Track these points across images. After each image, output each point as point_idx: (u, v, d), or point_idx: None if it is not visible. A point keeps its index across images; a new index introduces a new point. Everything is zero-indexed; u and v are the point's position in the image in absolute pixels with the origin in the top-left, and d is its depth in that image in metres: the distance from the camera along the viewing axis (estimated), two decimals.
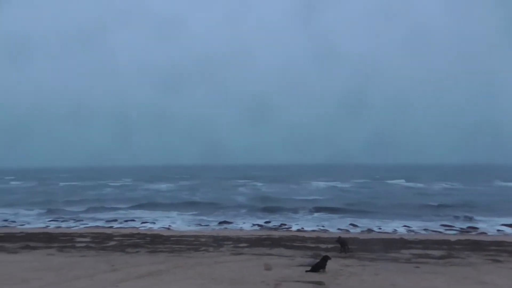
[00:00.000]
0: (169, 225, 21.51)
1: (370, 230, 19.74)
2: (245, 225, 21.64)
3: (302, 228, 20.40)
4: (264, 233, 18.06)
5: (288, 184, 50.18)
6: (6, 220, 23.08)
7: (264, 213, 25.69)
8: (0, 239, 15.01)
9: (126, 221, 23.11)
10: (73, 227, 21.09)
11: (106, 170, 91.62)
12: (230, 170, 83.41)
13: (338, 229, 20.18)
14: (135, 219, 23.61)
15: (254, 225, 21.62)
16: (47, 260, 11.11)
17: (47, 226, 21.29)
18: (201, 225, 21.61)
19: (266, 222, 22.28)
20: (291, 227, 20.69)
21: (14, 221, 22.84)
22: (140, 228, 20.35)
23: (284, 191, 41.47)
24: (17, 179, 64.97)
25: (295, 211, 26.29)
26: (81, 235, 16.31)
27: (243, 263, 10.57)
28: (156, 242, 14.42)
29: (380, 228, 20.21)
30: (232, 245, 13.69)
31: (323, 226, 20.93)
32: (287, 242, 14.52)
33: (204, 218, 24.09)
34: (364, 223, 21.76)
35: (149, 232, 17.93)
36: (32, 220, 23.51)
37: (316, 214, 25.18)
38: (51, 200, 33.05)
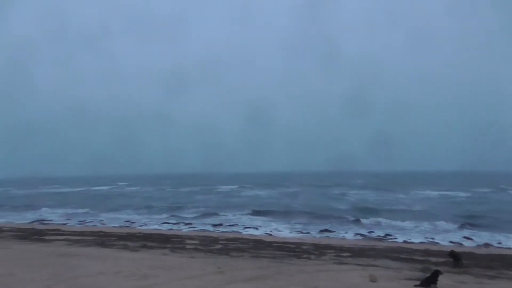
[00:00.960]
0: (271, 231, 21.92)
1: (487, 245, 17.86)
2: (347, 234, 21.10)
3: (409, 239, 19.24)
4: (367, 243, 17.43)
5: (391, 193, 47.73)
6: (128, 221, 25.68)
7: (366, 223, 24.78)
8: (123, 238, 16.76)
9: (230, 225, 24.11)
10: (183, 229, 22.62)
11: (215, 176, 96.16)
12: (327, 178, 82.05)
13: (450, 242, 18.62)
14: (238, 224, 24.51)
15: (356, 234, 20.98)
16: (161, 259, 12.09)
17: (161, 228, 23.18)
18: (302, 233, 21.61)
19: (369, 232, 21.47)
20: (396, 238, 19.64)
21: (133, 222, 25.28)
22: (243, 233, 21.04)
23: (387, 199, 39.56)
24: (131, 185, 71.67)
25: (400, 221, 24.88)
26: (190, 238, 17.45)
27: (347, 273, 10.33)
28: (258, 248, 14.80)
29: (500, 243, 18.17)
30: (334, 254, 13.47)
31: (432, 238, 19.50)
32: (393, 253, 13.82)
33: (305, 225, 24.05)
34: (481, 236, 19.76)
35: (251, 238, 18.46)
36: (149, 222, 25.77)
37: (424, 225, 23.51)
38: (163, 204, 36.01)
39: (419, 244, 17.91)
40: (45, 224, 25.00)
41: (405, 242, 18.55)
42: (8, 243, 15.44)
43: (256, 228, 22.99)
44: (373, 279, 9.48)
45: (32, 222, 26.07)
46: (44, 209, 34.84)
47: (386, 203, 35.65)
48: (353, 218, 26.28)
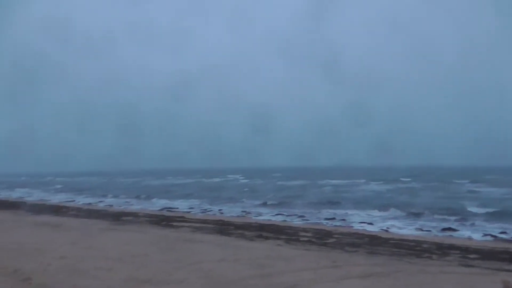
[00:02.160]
0: (387, 227, 20.99)
1: None
2: (475, 234, 19.17)
3: None
4: (499, 245, 15.61)
5: None
6: (244, 211, 26.97)
7: (497, 223, 22.20)
8: (240, 227, 17.65)
9: (342, 219, 23.72)
10: (296, 221, 22.93)
11: (315, 170, 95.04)
12: (456, 172, 75.27)
13: None
14: (352, 218, 23.99)
15: (486, 235, 18.94)
16: (277, 250, 12.44)
17: (275, 219, 23.82)
18: (422, 230, 20.25)
19: (501, 233, 19.22)
20: None
21: (249, 212, 26.44)
22: (358, 228, 20.53)
23: None
24: (245, 178, 74.58)
25: None
26: (304, 230, 17.60)
27: (474, 277, 9.42)
28: (374, 244, 14.30)
29: None
30: (459, 255, 12.37)
31: None
32: None
33: (425, 222, 22.48)
34: None
35: (366, 233, 17.93)
36: (263, 212, 26.70)
37: None
38: (276, 196, 36.98)
39: None
40: (172, 211, 27.52)
41: None
42: (144, 227, 17.38)
43: (371, 224, 22.23)
44: (507, 285, 8.48)
45: (162, 209, 28.91)
46: (162, 199, 38.42)
47: None
48: (482, 217, 23.80)
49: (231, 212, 27.19)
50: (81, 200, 37.19)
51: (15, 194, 46.36)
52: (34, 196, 43.51)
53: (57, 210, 25.69)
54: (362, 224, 21.91)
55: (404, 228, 20.83)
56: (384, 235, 17.27)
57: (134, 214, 23.02)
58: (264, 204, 31.53)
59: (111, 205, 32.16)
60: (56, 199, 39.43)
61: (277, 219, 23.69)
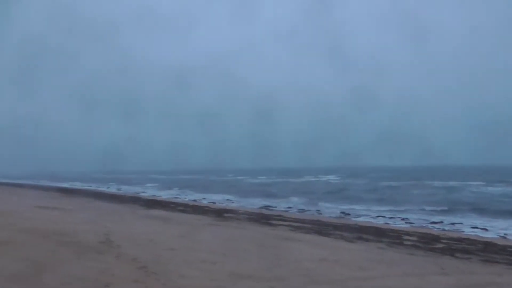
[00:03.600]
0: (505, 234, 18.90)
1: None
2: None
3: None
4: None
5: None
6: (342, 213, 26.43)
7: None
8: (339, 228, 17.35)
9: (452, 223, 21.95)
10: (399, 224, 21.80)
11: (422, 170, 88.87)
12: None
13: None
14: (462, 223, 22.07)
15: None
16: (378, 253, 11.97)
17: (375, 221, 22.93)
18: None
19: None
20: None
21: (348, 214, 25.83)
22: (469, 234, 18.83)
23: None
24: (341, 178, 72.57)
25: None
26: (408, 233, 16.68)
27: None
28: (489, 251, 13.02)
29: None
30: None
31: None
32: None
33: None
34: None
35: (479, 239, 16.36)
36: (364, 214, 25.88)
37: None
38: (376, 197, 35.54)
39: None
40: (270, 210, 28.05)
41: None
42: (244, 224, 18.01)
43: (486, 229, 20.22)
44: None
45: (261, 207, 29.64)
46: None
47: None
48: None
49: (328, 212, 26.86)
50: (187, 197, 39.75)
51: (131, 190, 51.34)
52: (148, 192, 47.68)
53: (166, 205, 27.83)
54: (474, 230, 20.04)
55: None
56: (501, 242, 15.60)
57: (235, 211, 23.96)
58: (366, 204, 30.51)
59: (214, 202, 33.87)
60: (165, 195, 42.76)
61: (378, 222, 22.78)
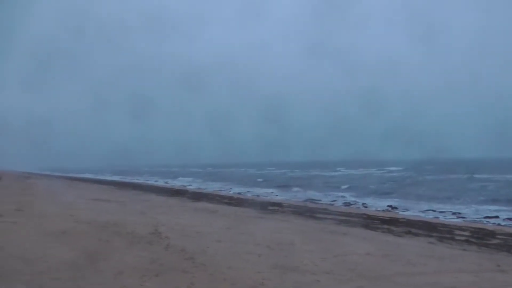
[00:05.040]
0: None
1: None
2: None
3: None
4: None
5: None
6: (389, 206, 25.76)
7: None
8: (386, 222, 16.93)
9: (509, 219, 20.78)
10: (451, 219, 20.95)
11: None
12: None
13: None
14: None
15: None
16: (428, 248, 11.57)
17: (425, 215, 22.17)
18: None
19: None
20: None
21: (395, 208, 25.13)
22: None
23: None
24: (402, 171, 70.25)
25: None
26: (460, 228, 15.98)
27: None
28: None
29: None
30: None
31: None
32: None
33: None
34: None
35: None
36: (411, 207, 25.08)
37: None
38: (428, 192, 34.35)
39: None
40: (315, 203, 27.84)
41: None
42: (288, 217, 18.01)
43: None
44: None
45: (305, 200, 29.50)
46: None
47: None
48: None
49: (375, 205, 26.27)
50: (232, 190, 40.28)
51: (178, 183, 52.78)
52: (194, 185, 48.83)
53: (212, 198, 28.38)
54: None
55: None
56: None
57: (279, 204, 24.00)
58: (413, 199, 29.52)
59: (258, 195, 34.11)
60: (211, 188, 43.59)
61: (427, 216, 21.99)
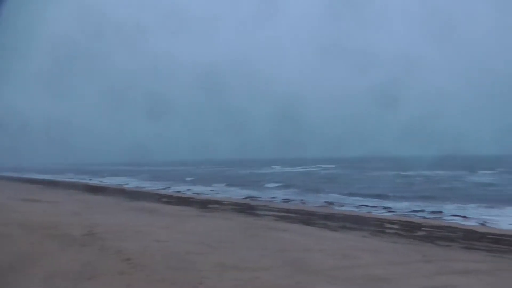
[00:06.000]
0: (484, 222, 19.37)
1: None
2: None
3: None
4: None
5: None
6: (326, 202, 26.69)
7: None
8: (324, 217, 17.51)
9: (432, 212, 22.39)
10: (382, 213, 22.13)
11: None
12: None
13: None
14: (442, 211, 22.52)
15: None
16: (362, 241, 12.15)
17: (359, 210, 23.24)
18: None
19: None
20: None
21: (332, 203, 26.10)
22: (449, 221, 19.25)
23: None
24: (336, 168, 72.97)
25: None
26: (390, 222, 16.93)
27: None
28: (470, 238, 13.32)
29: None
30: None
31: None
32: None
33: None
34: None
35: (460, 227, 16.74)
36: (346, 203, 26.17)
37: None
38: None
39: None
40: (255, 200, 28.12)
41: None
42: (229, 214, 18.02)
43: (465, 217, 20.67)
44: None
45: (245, 198, 29.69)
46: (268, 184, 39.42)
47: None
48: None
49: (312, 202, 27.08)
50: (171, 188, 39.55)
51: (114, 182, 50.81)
52: (131, 184, 47.27)
53: (151, 197, 27.65)
54: (454, 217, 20.47)
55: (499, 222, 19.08)
56: (481, 230, 15.99)
57: (219, 202, 23.95)
58: (351, 195, 30.86)
59: (198, 193, 33.79)
60: (149, 186, 42.47)
61: (361, 211, 23.07)
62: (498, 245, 12.12)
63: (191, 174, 61.41)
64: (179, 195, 31.10)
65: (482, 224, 18.56)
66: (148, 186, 43.38)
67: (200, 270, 7.75)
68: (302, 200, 28.34)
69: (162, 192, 34.27)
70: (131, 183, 48.13)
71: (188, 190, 37.33)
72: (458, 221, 19.36)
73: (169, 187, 40.64)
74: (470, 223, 18.90)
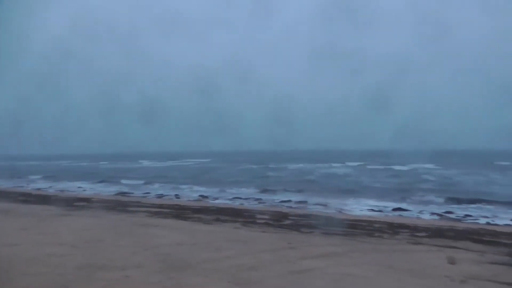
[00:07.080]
0: (341, 209, 21.71)
1: None
2: (423, 214, 20.28)
3: (493, 221, 18.03)
4: (445, 223, 16.63)
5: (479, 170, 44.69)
6: (201, 195, 26.90)
7: (447, 203, 23.57)
8: (198, 211, 17.60)
9: (299, 202, 24.26)
10: (253, 204, 23.18)
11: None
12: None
13: None
14: (307, 201, 24.56)
15: (433, 214, 20.09)
16: (234, 233, 12.54)
17: (232, 203, 23.96)
18: (374, 211, 21.16)
19: (446, 212, 20.44)
20: (477, 219, 18.51)
21: (206, 197, 26.41)
22: (313, 210, 21.08)
23: (476, 179, 37.12)
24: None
25: (485, 202, 23.32)
26: (261, 212, 17.84)
27: (422, 254, 10.00)
28: (330, 224, 14.74)
29: None
30: (408, 234, 13.06)
31: None
32: (474, 235, 13.07)
33: (377, 203, 23.50)
34: None
35: (322, 214, 18.46)
36: (221, 197, 26.76)
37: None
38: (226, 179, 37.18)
39: (505, 226, 16.72)
40: (127, 196, 26.95)
41: (488, 224, 17.43)
42: (99, 212, 16.89)
43: (325, 205, 22.89)
44: (451, 261, 9.07)
45: (116, 194, 28.23)
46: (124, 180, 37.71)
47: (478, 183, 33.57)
48: (427, 197, 25.24)
49: (188, 197, 27.04)
50: (30, 186, 35.54)
51: None
52: None
53: (5, 195, 24.42)
54: (317, 206, 22.51)
55: (353, 209, 21.64)
56: (340, 216, 17.87)
57: (87, 200, 22.34)
58: (223, 188, 31.56)
59: (62, 190, 31.01)
60: (7, 184, 37.47)
61: (235, 203, 23.84)
62: (352, 229, 13.67)
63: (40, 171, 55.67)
64: (39, 192, 28.08)
65: (339, 211, 20.78)
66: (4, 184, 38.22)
67: (63, 274, 7.14)
68: (176, 194, 28.09)
69: (19, 190, 30.53)
70: None
71: (50, 187, 34.00)
72: (320, 209, 21.36)
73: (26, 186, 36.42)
74: (330, 211, 21.01)
